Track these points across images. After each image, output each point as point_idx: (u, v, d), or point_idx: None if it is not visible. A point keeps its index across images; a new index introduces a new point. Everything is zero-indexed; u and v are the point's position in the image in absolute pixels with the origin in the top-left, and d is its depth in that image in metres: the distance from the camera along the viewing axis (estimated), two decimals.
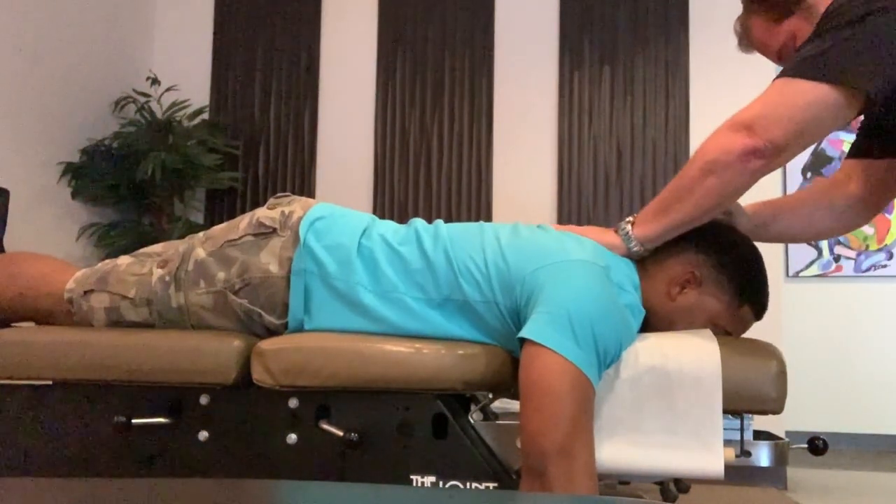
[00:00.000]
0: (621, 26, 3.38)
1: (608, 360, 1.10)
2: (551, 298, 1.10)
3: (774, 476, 2.99)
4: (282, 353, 1.21)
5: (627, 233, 1.23)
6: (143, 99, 3.34)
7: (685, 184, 1.17)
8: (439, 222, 1.30)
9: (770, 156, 1.11)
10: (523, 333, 1.09)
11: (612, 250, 1.24)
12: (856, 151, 1.38)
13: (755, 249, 1.29)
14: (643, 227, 1.23)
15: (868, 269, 4.27)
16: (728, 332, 1.26)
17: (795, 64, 1.13)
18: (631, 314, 1.18)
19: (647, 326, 1.25)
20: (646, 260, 1.29)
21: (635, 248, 1.23)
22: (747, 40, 1.37)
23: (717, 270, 1.24)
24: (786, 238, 1.43)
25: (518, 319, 1.17)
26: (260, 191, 3.59)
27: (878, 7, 1.09)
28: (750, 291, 1.25)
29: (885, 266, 4.26)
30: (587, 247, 1.20)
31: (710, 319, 1.25)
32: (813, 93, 1.09)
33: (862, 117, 1.38)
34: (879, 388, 4.20)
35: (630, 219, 1.25)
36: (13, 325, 1.40)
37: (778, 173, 3.31)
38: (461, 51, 3.48)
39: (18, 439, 1.29)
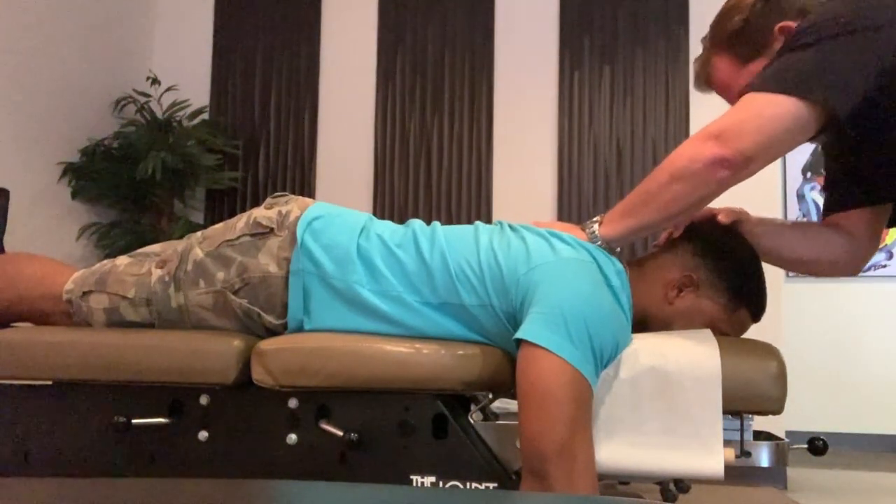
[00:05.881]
0: (621, 26, 3.37)
1: (605, 358, 1.10)
2: (545, 299, 1.11)
3: (774, 476, 2.99)
4: (282, 353, 1.21)
5: (594, 231, 1.24)
6: (143, 99, 3.34)
7: (652, 188, 1.18)
8: (436, 224, 1.30)
9: (738, 166, 1.11)
10: (519, 335, 1.09)
11: None
12: (831, 206, 1.36)
13: (753, 252, 1.29)
14: (609, 226, 1.23)
15: (868, 269, 4.27)
16: (726, 333, 1.26)
17: (763, 78, 1.14)
18: (621, 308, 1.18)
19: (645, 329, 1.25)
20: (643, 263, 1.29)
21: (600, 247, 1.23)
22: (706, 80, 1.38)
23: (713, 274, 1.24)
24: (785, 254, 1.37)
25: (514, 321, 1.17)
26: (260, 191, 3.58)
27: (845, 29, 1.10)
28: (747, 294, 1.25)
29: (885, 266, 4.26)
30: (573, 243, 1.20)
31: (707, 322, 1.25)
32: (780, 106, 1.10)
33: (824, 173, 1.38)
34: (879, 389, 4.20)
35: (598, 218, 1.26)
36: (12, 325, 1.40)
37: (778, 173, 3.31)
38: (461, 51, 3.48)
39: (18, 439, 1.29)
